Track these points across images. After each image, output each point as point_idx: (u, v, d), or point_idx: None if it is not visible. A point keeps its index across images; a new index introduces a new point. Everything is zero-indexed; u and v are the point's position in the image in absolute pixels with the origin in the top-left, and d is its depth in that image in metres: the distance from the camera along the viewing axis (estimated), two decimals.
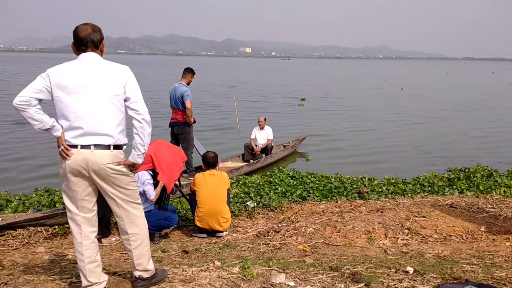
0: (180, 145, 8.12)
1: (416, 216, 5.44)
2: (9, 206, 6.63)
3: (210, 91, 31.60)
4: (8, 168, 10.41)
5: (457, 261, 4.07)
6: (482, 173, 8.86)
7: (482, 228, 5.09)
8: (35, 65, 72.93)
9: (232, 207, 6.12)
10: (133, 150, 3.05)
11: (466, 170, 9.23)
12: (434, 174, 8.96)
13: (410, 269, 3.69)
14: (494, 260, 4.10)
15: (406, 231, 5.04)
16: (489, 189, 7.78)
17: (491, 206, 5.87)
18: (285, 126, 16.96)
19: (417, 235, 4.95)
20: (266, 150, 10.90)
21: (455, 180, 8.36)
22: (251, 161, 10.42)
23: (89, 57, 2.98)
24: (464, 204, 5.95)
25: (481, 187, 7.89)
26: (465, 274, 3.62)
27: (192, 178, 5.86)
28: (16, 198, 7.01)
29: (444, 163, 10.86)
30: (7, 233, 5.02)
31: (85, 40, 2.97)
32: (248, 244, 4.72)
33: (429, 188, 7.89)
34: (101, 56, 3.07)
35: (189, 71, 8.48)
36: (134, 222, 3.15)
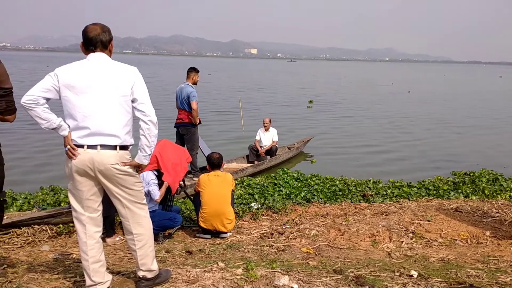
0: (185, 146, 8.13)
1: (420, 220, 5.42)
2: (15, 204, 6.65)
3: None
4: (13, 166, 10.46)
5: (461, 265, 4.05)
6: (487, 177, 8.82)
7: (487, 233, 5.06)
8: (43, 64, 73.24)
9: (236, 208, 6.13)
10: (139, 151, 3.06)
11: (471, 174, 9.19)
12: (439, 178, 8.93)
13: (414, 273, 3.68)
14: (499, 265, 4.08)
15: (411, 234, 5.02)
16: (494, 194, 7.74)
17: (496, 210, 5.84)
18: (294, 128, 16.97)
19: (422, 239, 4.93)
20: (271, 151, 10.90)
21: (460, 184, 8.33)
22: (256, 162, 10.42)
23: (98, 57, 2.99)
24: (469, 208, 5.93)
25: (486, 192, 7.86)
26: (470, 279, 3.61)
27: (197, 179, 5.87)
28: (22, 196, 7.04)
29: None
30: (12, 231, 5.04)
31: (94, 40, 2.98)
32: (252, 246, 4.72)
33: (434, 192, 7.86)
34: (110, 56, 3.08)
35: (192, 70, 8.47)
36: (139, 222, 3.15)
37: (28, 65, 68.56)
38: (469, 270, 3.83)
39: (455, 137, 16.29)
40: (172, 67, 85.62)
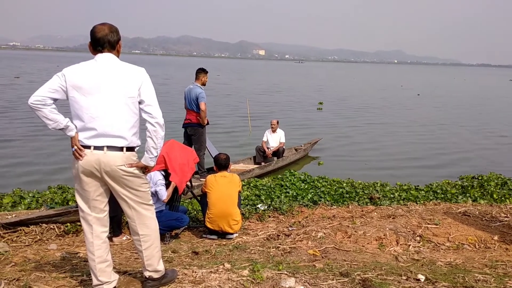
0: (193, 146, 8.15)
1: (428, 224, 5.39)
2: (23, 202, 6.70)
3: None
4: (21, 165, 10.54)
5: (469, 270, 4.02)
6: (496, 181, 8.74)
7: (495, 237, 5.02)
8: (54, 63, 73.78)
9: (242, 210, 6.13)
10: (145, 153, 3.06)
11: (480, 178, 9.12)
12: (447, 181, 8.87)
13: (421, 277, 3.65)
14: (507, 270, 4.05)
15: (418, 238, 4.99)
16: (503, 198, 7.68)
17: (505, 215, 5.79)
18: (302, 129, 16.95)
19: (429, 243, 4.90)
20: (278, 153, 10.89)
21: (469, 188, 8.27)
22: (263, 163, 10.41)
23: (105, 58, 2.99)
24: (477, 212, 5.88)
25: (495, 196, 7.79)
26: (477, 284, 3.57)
27: (204, 180, 5.88)
28: (30, 195, 7.09)
29: None
30: (20, 230, 5.08)
31: (102, 41, 2.98)
32: (258, 247, 4.71)
33: (442, 196, 7.81)
34: (118, 56, 3.08)
35: (201, 71, 8.49)
36: (145, 223, 3.16)
37: (42, 65, 69.01)
38: (476, 274, 3.80)
39: (464, 141, 16.17)
40: (184, 68, 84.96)
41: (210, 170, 8.09)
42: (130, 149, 3.02)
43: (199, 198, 5.97)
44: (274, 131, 11.08)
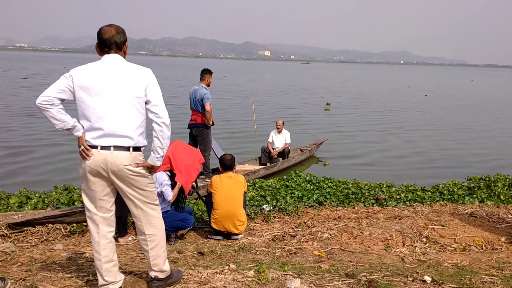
0: (198, 147, 8.16)
1: (434, 225, 5.36)
2: (29, 203, 6.74)
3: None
4: (28, 166, 10.60)
5: (476, 271, 3.99)
6: (503, 182, 8.69)
7: (503, 239, 4.99)
8: (60, 64, 74.16)
9: (248, 210, 6.12)
10: (152, 152, 3.08)
11: (487, 179, 9.06)
12: (454, 182, 8.82)
13: (427, 279, 3.63)
14: None
15: (424, 239, 4.97)
16: (510, 199, 7.62)
17: None
18: (308, 130, 16.94)
19: (436, 244, 4.87)
20: (283, 153, 10.87)
21: (475, 189, 8.22)
22: (268, 164, 10.41)
23: (112, 59, 3.01)
24: (484, 213, 5.84)
25: (502, 197, 7.74)
26: (484, 285, 3.55)
27: (209, 180, 5.88)
28: (36, 195, 7.13)
29: None
30: (27, 230, 5.10)
31: (109, 42, 3.00)
32: (264, 248, 4.71)
33: (449, 197, 7.76)
34: (124, 57, 3.10)
35: (206, 72, 8.50)
36: (152, 223, 3.17)
37: (50, 66, 69.32)
38: (483, 276, 3.78)
39: (471, 142, 16.08)
40: (192, 69, 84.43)
41: (216, 171, 8.10)
42: (136, 149, 3.03)
43: (204, 198, 5.97)
44: (279, 132, 11.07)
